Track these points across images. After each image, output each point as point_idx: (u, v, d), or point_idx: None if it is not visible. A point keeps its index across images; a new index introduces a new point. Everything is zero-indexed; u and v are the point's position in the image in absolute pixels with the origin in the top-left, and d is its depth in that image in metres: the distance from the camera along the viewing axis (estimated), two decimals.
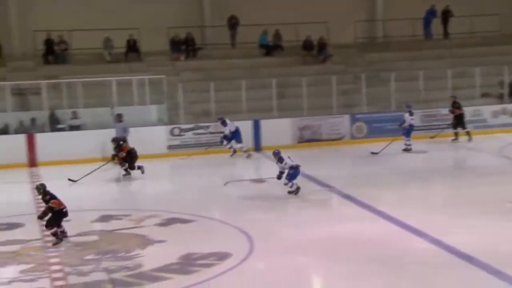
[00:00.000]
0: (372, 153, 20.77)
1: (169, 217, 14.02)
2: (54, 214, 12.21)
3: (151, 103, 23.06)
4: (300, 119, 23.37)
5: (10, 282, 10.39)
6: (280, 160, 15.59)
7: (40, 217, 12.30)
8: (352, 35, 28.84)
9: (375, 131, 23.23)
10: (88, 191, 17.27)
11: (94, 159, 20.15)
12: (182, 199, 16.22)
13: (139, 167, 18.40)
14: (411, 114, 21.31)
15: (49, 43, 25.37)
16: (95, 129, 21.24)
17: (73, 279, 10.44)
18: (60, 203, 12.32)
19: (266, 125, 22.74)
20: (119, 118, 20.83)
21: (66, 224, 13.51)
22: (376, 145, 21.33)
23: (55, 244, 12.11)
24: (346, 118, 23.53)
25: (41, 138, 20.76)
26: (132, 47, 26.24)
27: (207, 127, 22.40)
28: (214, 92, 23.54)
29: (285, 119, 23.19)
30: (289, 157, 15.73)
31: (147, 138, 21.36)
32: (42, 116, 21.87)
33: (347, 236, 12.22)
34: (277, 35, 27.90)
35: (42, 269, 10.98)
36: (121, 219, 14.07)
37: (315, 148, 22.63)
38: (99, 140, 20.53)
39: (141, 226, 13.42)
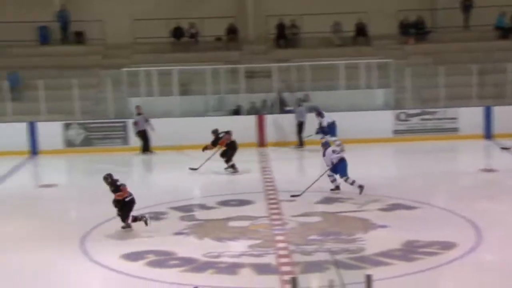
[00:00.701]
0: (503, 148, 18.96)
1: (392, 203, 13.89)
2: (121, 206, 12.34)
3: (378, 87, 22.94)
4: None
5: (239, 255, 10.97)
6: (323, 153, 14.92)
7: (119, 215, 12.42)
8: None
9: None
10: (312, 173, 17.62)
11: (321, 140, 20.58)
12: (406, 185, 15.99)
13: (233, 167, 17.53)
14: None
15: (281, 27, 26.19)
16: (328, 111, 21.59)
17: (297, 258, 10.75)
18: (124, 192, 12.38)
19: (499, 112, 21.56)
20: (299, 102, 21.06)
21: (290, 204, 14.01)
22: None
23: (147, 223, 12.35)
24: None
25: (270, 120, 21.53)
26: (361, 31, 26.23)
27: (435, 112, 21.79)
28: (444, 76, 22.80)
29: None
30: (333, 151, 14.96)
31: (372, 122, 21.31)
32: (271, 98, 22.66)
33: None
34: None
35: (268, 245, 11.44)
36: (343, 201, 14.20)
37: None
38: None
39: (364, 210, 13.45)
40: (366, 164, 18.45)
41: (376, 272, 9.15)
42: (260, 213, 13.40)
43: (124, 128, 21.31)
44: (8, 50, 25.13)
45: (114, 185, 12.37)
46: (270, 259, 10.73)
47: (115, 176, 12.52)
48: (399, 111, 21.96)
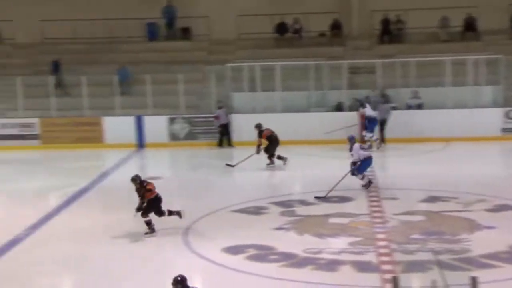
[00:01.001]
0: None
1: (500, 203, 13.42)
2: (148, 203, 12.11)
3: (486, 84, 22.18)
4: None
5: (340, 252, 10.90)
6: (350, 148, 14.90)
7: (138, 210, 12.05)
8: None
9: None
10: (416, 171, 17.29)
11: (437, 138, 20.25)
12: None
13: (281, 157, 17.62)
14: None
15: (385, 22, 25.78)
16: (433, 108, 21.15)
17: (398, 257, 10.57)
18: (153, 192, 12.15)
19: None
20: (384, 99, 20.75)
21: (392, 202, 13.78)
22: None
23: (146, 233, 12.06)
24: None
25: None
26: (470, 26, 25.43)
27: None
28: None
29: None
30: (361, 147, 14.95)
31: (480, 120, 20.68)
32: (374, 94, 22.32)
33: None
34: None
35: (369, 243, 11.30)
36: (448, 201, 13.84)
37: None
38: (438, 119, 20.50)
39: (469, 210, 13.05)
40: (473, 163, 17.95)
41: (482, 275, 8.85)
42: (360, 211, 13.26)
43: None
44: (118, 46, 25.99)
45: (144, 186, 12.15)
46: (370, 257, 10.61)
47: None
48: (508, 108, 21.17)
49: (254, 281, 10.00)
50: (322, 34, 26.24)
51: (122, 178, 17.87)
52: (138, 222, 12.21)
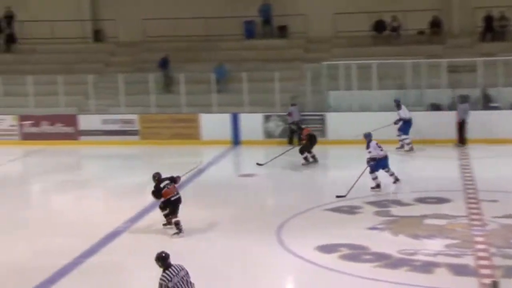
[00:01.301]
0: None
1: None
2: (168, 203, 12.04)
3: None
4: None
5: (435, 254, 10.68)
6: (367, 145, 14.65)
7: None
8: None
9: None
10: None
11: None
12: None
13: (306, 158, 17.89)
14: None
15: (488, 20, 24.99)
16: None
17: (498, 261, 10.25)
18: (168, 192, 12.04)
19: None
20: (462, 99, 20.20)
21: (492, 205, 13.35)
22: None
23: (174, 234, 12.03)
24: None
25: (472, 116, 20.58)
26: None
27: None
28: None
29: None
30: (379, 146, 14.67)
31: None
32: (475, 93, 21.69)
33: None
34: None
35: (466, 246, 11.02)
36: None
37: None
38: None
39: None
40: None
41: None
42: (458, 212, 12.94)
43: (322, 121, 21.50)
44: (216, 44, 26.36)
45: (161, 184, 12.19)
46: (468, 260, 10.35)
47: None
48: None
49: (347, 280, 9.95)
50: (421, 32, 25.71)
51: (218, 174, 18.27)
52: (232, 219, 12.36)
